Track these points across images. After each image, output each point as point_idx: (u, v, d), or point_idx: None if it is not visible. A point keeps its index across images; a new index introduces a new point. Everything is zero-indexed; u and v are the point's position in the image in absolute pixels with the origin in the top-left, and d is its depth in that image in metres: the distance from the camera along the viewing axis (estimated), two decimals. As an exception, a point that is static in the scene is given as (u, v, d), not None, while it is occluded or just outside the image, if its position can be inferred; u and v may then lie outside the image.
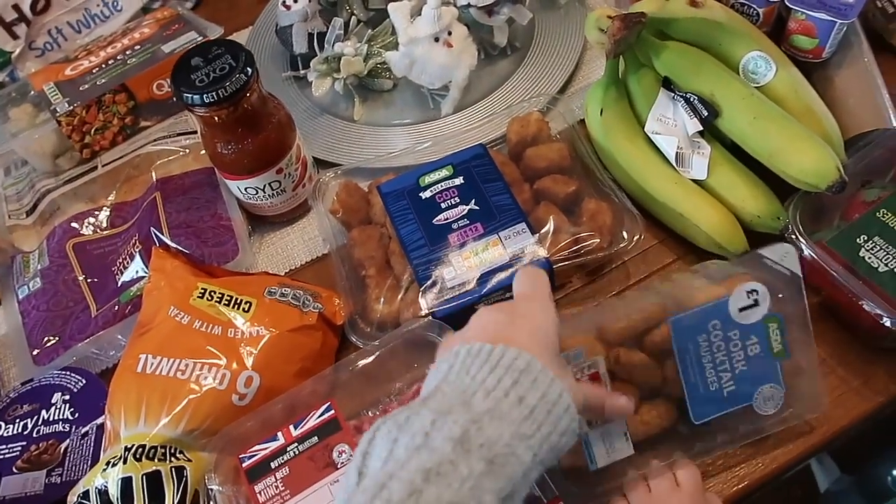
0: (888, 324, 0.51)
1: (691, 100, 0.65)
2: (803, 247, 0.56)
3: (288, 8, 0.81)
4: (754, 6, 0.67)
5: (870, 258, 0.54)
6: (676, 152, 0.65)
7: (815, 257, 0.55)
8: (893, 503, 0.72)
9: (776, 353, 0.52)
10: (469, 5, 0.78)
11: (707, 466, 0.55)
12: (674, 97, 0.67)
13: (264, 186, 0.68)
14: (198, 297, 0.58)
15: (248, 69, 0.61)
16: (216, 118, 0.63)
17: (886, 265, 0.54)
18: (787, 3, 0.65)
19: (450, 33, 0.75)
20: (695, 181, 0.65)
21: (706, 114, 0.64)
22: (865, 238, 0.55)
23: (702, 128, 0.65)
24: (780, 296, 0.51)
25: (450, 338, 0.46)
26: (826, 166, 0.57)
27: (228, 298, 0.59)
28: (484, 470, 0.34)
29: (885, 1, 0.75)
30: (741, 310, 0.51)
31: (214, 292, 0.59)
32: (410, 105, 0.81)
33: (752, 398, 0.52)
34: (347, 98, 0.82)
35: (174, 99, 0.74)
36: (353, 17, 0.85)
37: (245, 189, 0.69)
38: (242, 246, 0.67)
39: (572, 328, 0.52)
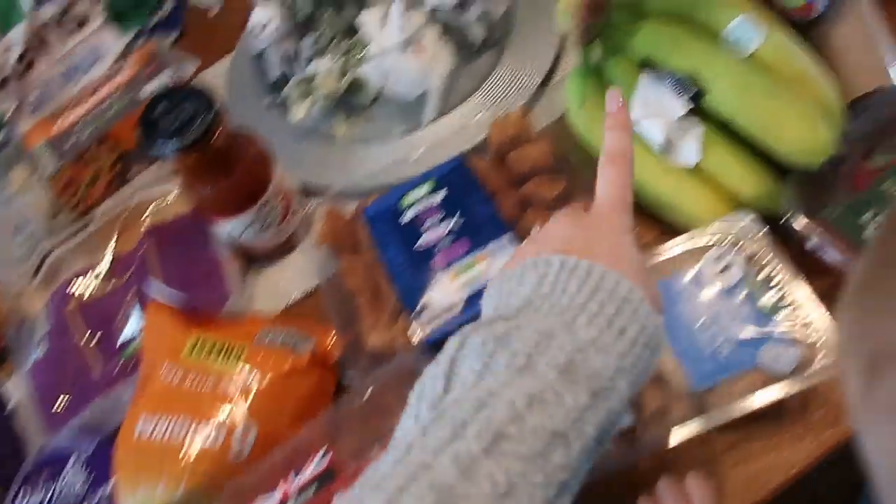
0: None
1: (675, 79, 0.61)
2: (803, 228, 0.52)
3: (259, 33, 0.79)
4: (734, -32, 0.62)
5: (876, 237, 0.50)
6: (664, 138, 0.62)
7: (817, 239, 0.51)
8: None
9: (769, 310, 0.51)
10: (438, 6, 0.75)
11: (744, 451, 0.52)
12: (656, 78, 0.63)
13: (249, 224, 0.67)
14: (190, 350, 0.58)
15: (211, 111, 0.60)
16: (186, 165, 0.62)
17: None
18: (767, -39, 0.60)
19: (420, 40, 0.72)
20: (687, 168, 0.61)
21: (693, 92, 0.60)
22: (871, 215, 0.51)
23: (689, 108, 0.61)
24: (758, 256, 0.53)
25: (524, 247, 0.42)
26: (818, 141, 0.53)
27: (220, 348, 0.59)
28: (588, 403, 0.32)
29: (885, -63, 0.68)
30: (716, 274, 0.53)
31: (206, 343, 0.59)
32: (392, 117, 0.79)
33: (757, 359, 0.50)
34: (329, 116, 0.80)
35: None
36: (329, 30, 0.83)
37: (230, 229, 0.68)
38: (234, 289, 0.67)
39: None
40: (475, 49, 0.79)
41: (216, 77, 0.91)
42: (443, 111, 0.76)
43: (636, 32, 0.62)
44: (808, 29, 0.64)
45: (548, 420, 0.31)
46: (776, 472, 0.51)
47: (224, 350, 0.58)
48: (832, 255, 0.51)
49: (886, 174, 0.53)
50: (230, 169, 0.64)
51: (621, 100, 0.46)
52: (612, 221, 0.41)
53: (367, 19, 0.73)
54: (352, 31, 0.82)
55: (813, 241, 0.52)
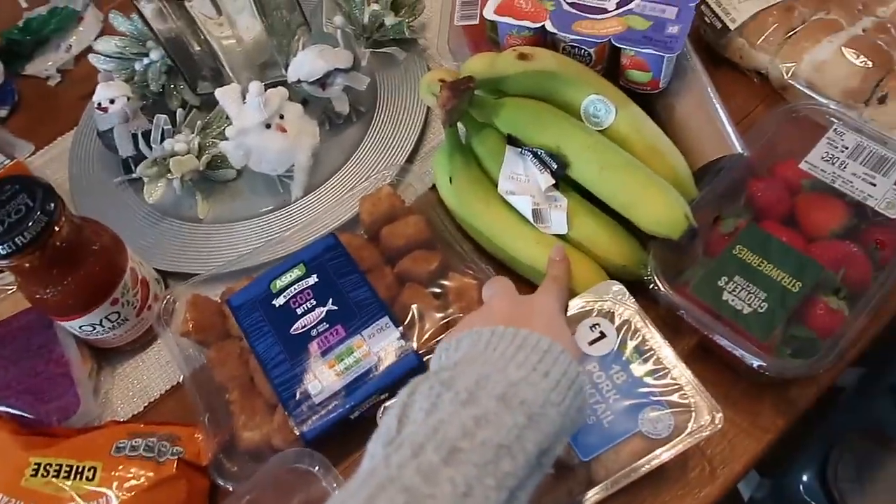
0: (756, 365, 0.50)
1: (539, 154, 0.63)
2: (668, 296, 0.54)
3: (105, 110, 0.74)
4: (584, 47, 0.66)
5: (733, 300, 0.53)
6: (532, 210, 0.63)
7: (681, 306, 0.54)
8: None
9: (644, 375, 0.52)
10: (300, 81, 0.73)
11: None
12: (521, 153, 0.64)
13: (101, 321, 0.61)
14: (31, 475, 0.51)
15: (50, 204, 0.55)
16: (25, 265, 0.56)
17: (750, 305, 0.53)
18: (613, 42, 0.64)
19: (282, 116, 0.70)
20: (557, 236, 0.63)
21: (556, 167, 0.62)
22: (726, 280, 0.54)
23: (554, 181, 0.63)
24: (629, 324, 0.54)
25: (467, 320, 0.50)
26: (675, 216, 0.56)
27: (68, 469, 0.52)
28: (525, 423, 0.38)
29: (712, 17, 0.75)
30: (591, 343, 0.54)
31: (51, 465, 0.52)
32: (260, 192, 0.76)
33: (639, 425, 0.51)
34: (190, 195, 0.76)
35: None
36: (182, 106, 0.79)
37: (80, 328, 0.62)
38: (84, 395, 0.60)
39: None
40: (340, 122, 0.78)
41: (57, 157, 0.84)
42: (311, 186, 0.74)
43: (500, 111, 0.64)
44: (654, 101, 0.68)
45: (494, 435, 0.37)
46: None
47: (74, 470, 0.52)
48: (695, 317, 0.54)
49: (736, 239, 0.57)
50: (76, 265, 0.58)
51: (563, 252, 0.58)
52: (553, 302, 0.51)
53: (224, 95, 0.70)
54: (208, 105, 0.79)
55: (676, 306, 0.54)
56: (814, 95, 0.69)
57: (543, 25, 0.66)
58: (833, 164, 0.59)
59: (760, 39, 0.72)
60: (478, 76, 0.63)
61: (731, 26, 0.73)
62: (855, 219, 0.58)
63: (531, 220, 0.63)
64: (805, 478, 0.76)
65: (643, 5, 0.65)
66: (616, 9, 0.65)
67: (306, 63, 0.73)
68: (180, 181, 0.73)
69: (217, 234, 0.73)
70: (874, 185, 0.57)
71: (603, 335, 0.55)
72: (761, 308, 0.52)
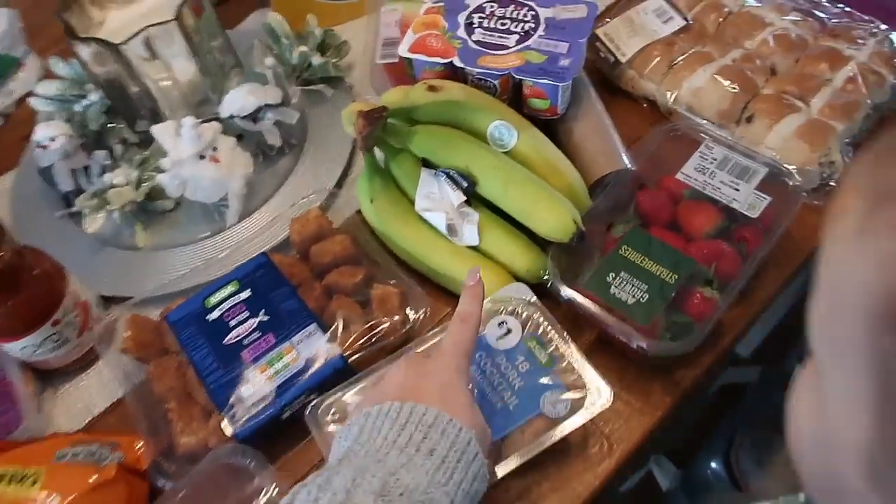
0: (637, 346, 0.57)
1: (451, 174, 0.70)
2: (563, 292, 0.61)
3: (45, 147, 0.78)
4: (489, 80, 0.74)
5: (619, 293, 0.60)
6: (447, 224, 0.69)
7: (575, 300, 0.60)
8: (715, 496, 0.79)
9: (545, 363, 0.59)
10: (232, 117, 0.79)
11: (536, 493, 0.58)
12: (435, 174, 0.71)
13: (42, 342, 0.65)
14: (-26, 484, 0.54)
15: (-7, 231, 0.59)
16: (-32, 288, 0.59)
17: (633, 296, 0.60)
18: (513, 74, 0.72)
19: (215, 149, 0.76)
20: (471, 248, 0.70)
21: (466, 185, 0.69)
22: (613, 276, 0.61)
23: (465, 198, 0.69)
24: (532, 319, 0.61)
25: (367, 395, 0.50)
26: (565, 221, 0.63)
27: (12, 475, 0.55)
28: None
29: (606, 52, 0.84)
30: (499, 339, 0.60)
31: (-6, 474, 0.55)
32: (197, 220, 0.80)
33: (540, 406, 0.57)
34: (129, 225, 0.80)
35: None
36: (121, 143, 0.84)
37: (21, 349, 0.65)
38: (26, 412, 0.64)
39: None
40: (273, 153, 0.84)
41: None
42: (246, 213, 0.80)
43: (413, 137, 0.71)
44: (555, 125, 0.76)
45: None
46: (567, 507, 0.57)
47: (16, 476, 0.55)
48: (589, 311, 0.60)
49: (623, 240, 0.64)
50: (18, 287, 0.62)
51: (478, 275, 0.57)
52: (449, 364, 0.50)
53: (161, 131, 0.76)
54: (146, 142, 0.84)
55: (574, 302, 0.61)
56: (693, 118, 0.78)
57: (452, 61, 0.74)
58: (704, 174, 0.67)
59: (647, 70, 0.81)
60: (393, 106, 0.70)
61: (622, 59, 0.83)
62: (727, 221, 0.66)
63: (446, 234, 0.70)
64: (713, 464, 0.83)
65: (539, 41, 0.73)
66: (515, 45, 0.74)
67: (238, 99, 0.79)
68: (119, 212, 0.78)
69: (156, 260, 0.77)
70: (738, 190, 0.66)
71: (510, 331, 0.61)
72: (643, 298, 0.60)
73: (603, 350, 0.64)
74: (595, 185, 0.72)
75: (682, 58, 0.81)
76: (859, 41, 0.79)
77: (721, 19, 0.85)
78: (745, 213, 0.65)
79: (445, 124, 0.72)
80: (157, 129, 0.76)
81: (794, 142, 0.72)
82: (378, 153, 0.73)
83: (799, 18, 0.83)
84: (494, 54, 0.74)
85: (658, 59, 0.81)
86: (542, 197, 0.65)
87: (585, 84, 0.79)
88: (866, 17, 0.82)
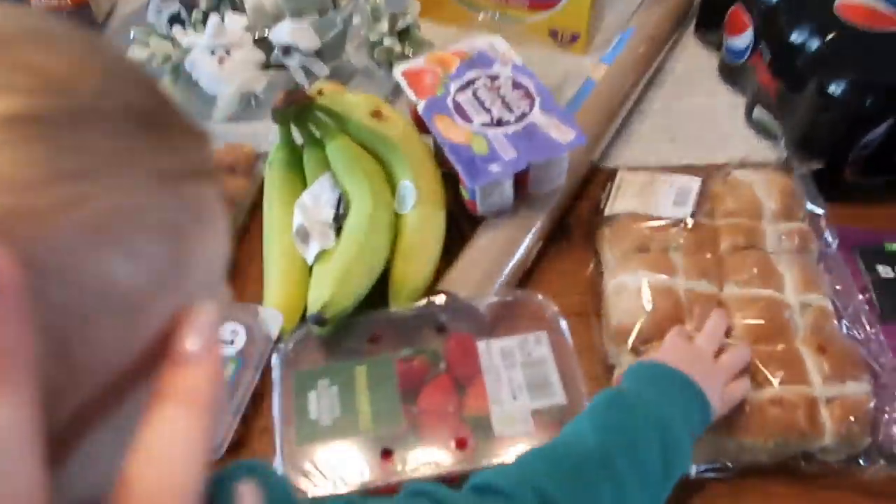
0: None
1: (340, 198, 0.70)
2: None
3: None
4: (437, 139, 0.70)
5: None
6: (302, 226, 0.69)
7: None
8: None
9: None
10: (266, 39, 0.85)
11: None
12: (332, 187, 0.71)
13: None
14: None
15: None
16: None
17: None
18: (445, 149, 0.68)
19: (228, 52, 0.83)
20: (302, 262, 0.69)
21: (340, 212, 0.69)
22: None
23: (332, 222, 0.69)
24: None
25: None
26: (297, 307, 0.66)
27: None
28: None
29: (605, 196, 0.75)
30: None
31: None
32: (191, 103, 0.87)
33: None
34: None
35: None
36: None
37: None
38: None
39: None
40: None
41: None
42: (234, 121, 0.87)
43: (332, 140, 0.71)
44: (477, 223, 0.71)
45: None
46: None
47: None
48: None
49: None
50: None
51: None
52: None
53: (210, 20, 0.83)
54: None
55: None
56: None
57: (419, 102, 0.71)
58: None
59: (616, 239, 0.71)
60: (334, 108, 0.71)
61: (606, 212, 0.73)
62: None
63: (294, 232, 0.70)
64: None
65: (497, 135, 0.68)
66: (477, 125, 0.69)
67: (284, 29, 0.85)
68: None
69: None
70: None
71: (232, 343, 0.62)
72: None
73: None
74: (441, 293, 0.66)
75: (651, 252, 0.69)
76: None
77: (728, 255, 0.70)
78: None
79: (369, 149, 0.72)
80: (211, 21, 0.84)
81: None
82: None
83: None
84: (453, 119, 0.70)
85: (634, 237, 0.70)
86: (334, 273, 0.64)
87: (537, 209, 0.71)
88: None
